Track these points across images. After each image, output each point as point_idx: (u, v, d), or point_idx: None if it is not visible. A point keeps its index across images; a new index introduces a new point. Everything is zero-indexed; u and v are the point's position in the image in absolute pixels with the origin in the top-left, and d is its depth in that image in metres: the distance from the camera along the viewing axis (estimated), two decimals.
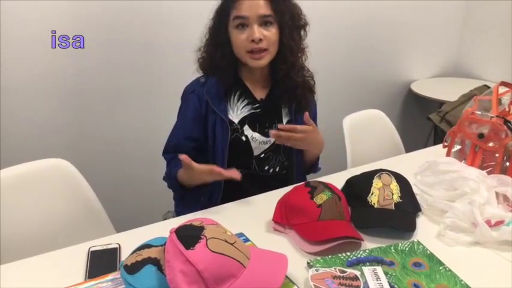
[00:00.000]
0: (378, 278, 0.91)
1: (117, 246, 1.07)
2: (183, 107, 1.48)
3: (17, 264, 1.03)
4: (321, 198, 1.13)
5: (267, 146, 1.46)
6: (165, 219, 1.55)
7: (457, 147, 1.52)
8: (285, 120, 1.48)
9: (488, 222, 1.09)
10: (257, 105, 1.45)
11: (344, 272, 0.90)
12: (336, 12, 2.69)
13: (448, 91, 2.92)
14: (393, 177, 1.25)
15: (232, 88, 1.45)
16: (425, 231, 1.15)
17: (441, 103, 2.86)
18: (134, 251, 0.90)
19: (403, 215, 1.16)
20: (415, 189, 1.29)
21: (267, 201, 1.25)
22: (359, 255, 1.01)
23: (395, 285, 0.92)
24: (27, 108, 2.04)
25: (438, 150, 1.64)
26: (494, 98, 1.49)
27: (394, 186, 1.22)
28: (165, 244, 0.84)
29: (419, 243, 1.08)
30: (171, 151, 1.47)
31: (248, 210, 1.29)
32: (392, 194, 1.19)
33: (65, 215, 1.34)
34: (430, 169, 1.37)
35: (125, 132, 2.29)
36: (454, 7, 3.16)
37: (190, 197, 1.41)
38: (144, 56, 2.22)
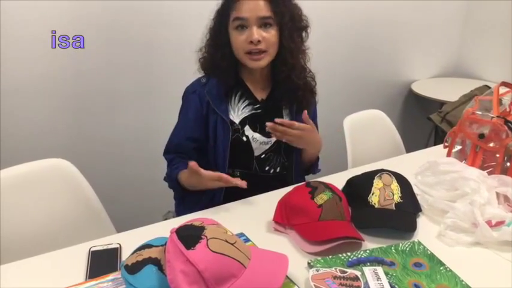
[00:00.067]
0: (378, 278, 0.91)
1: (117, 246, 1.07)
2: (184, 107, 1.48)
3: (18, 264, 1.03)
4: (322, 198, 1.13)
5: (267, 147, 1.46)
6: (165, 219, 1.55)
7: (458, 147, 1.52)
8: None
9: (488, 222, 1.09)
10: (258, 105, 1.46)
11: (345, 272, 0.90)
12: (336, 12, 2.69)
13: (448, 91, 2.91)
14: (394, 177, 1.25)
15: (233, 89, 1.45)
16: (426, 232, 1.15)
17: (442, 103, 2.86)
18: (135, 251, 0.90)
19: (404, 215, 1.16)
20: (415, 190, 1.29)
21: (268, 202, 1.25)
22: (359, 256, 1.01)
23: (396, 286, 0.92)
24: (27, 109, 2.04)
25: (439, 150, 1.64)
26: (495, 98, 1.48)
27: (395, 186, 1.22)
28: (165, 244, 0.84)
29: (419, 243, 1.08)
30: (172, 151, 1.47)
31: (249, 211, 1.29)
32: (393, 194, 1.19)
33: (66, 215, 1.34)
34: (430, 169, 1.37)
35: (125, 132, 2.29)
36: (455, 7, 3.16)
37: (191, 197, 1.41)
38: (144, 56, 2.22)
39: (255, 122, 1.44)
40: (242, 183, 1.24)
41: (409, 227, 1.13)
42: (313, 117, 1.57)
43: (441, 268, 0.99)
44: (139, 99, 2.28)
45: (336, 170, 1.54)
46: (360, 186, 1.26)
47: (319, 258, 1.01)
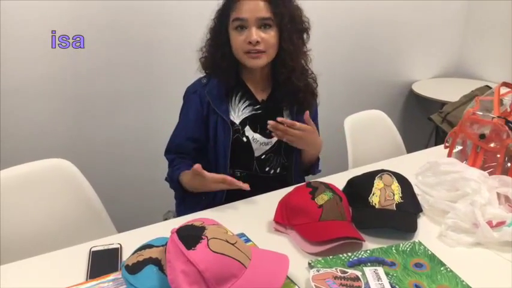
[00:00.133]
0: (379, 279, 0.91)
1: (118, 246, 1.07)
2: (185, 107, 1.48)
3: (18, 264, 1.03)
4: (322, 198, 1.13)
5: (268, 147, 1.46)
6: (165, 219, 1.55)
7: (459, 147, 1.52)
8: None
9: (489, 223, 1.09)
10: (258, 106, 1.46)
11: (345, 272, 0.90)
12: (336, 12, 2.69)
13: (449, 92, 2.91)
14: (394, 177, 1.25)
15: (234, 89, 1.45)
16: (427, 232, 1.15)
17: (442, 104, 2.86)
18: (135, 251, 0.90)
19: (404, 216, 1.16)
20: (416, 190, 1.29)
21: (268, 202, 1.25)
22: (360, 256, 1.01)
23: (397, 286, 0.92)
24: (27, 109, 2.05)
25: (439, 150, 1.64)
26: (496, 98, 1.48)
27: (396, 186, 1.22)
28: (166, 244, 0.84)
29: (420, 243, 1.08)
30: (172, 152, 1.47)
31: (249, 211, 1.29)
32: (394, 195, 1.19)
33: (66, 215, 1.34)
34: (431, 170, 1.37)
35: (125, 132, 2.29)
36: (456, 7, 3.16)
37: (191, 197, 1.41)
38: (144, 56, 2.22)
39: (256, 122, 1.44)
40: (245, 186, 1.25)
41: (410, 228, 1.13)
42: (314, 117, 1.56)
43: (442, 268, 0.99)
44: (139, 99, 2.28)
45: (336, 170, 1.54)
46: (360, 186, 1.25)
47: (319, 258, 1.00)
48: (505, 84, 1.55)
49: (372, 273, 0.93)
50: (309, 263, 0.99)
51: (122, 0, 2.06)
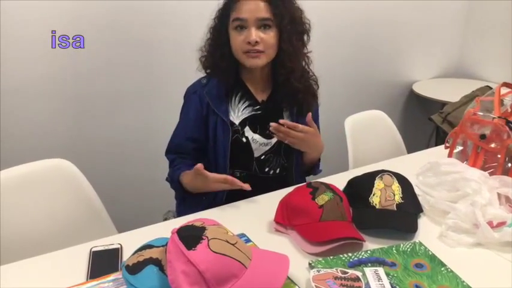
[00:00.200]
0: (379, 279, 0.91)
1: (118, 246, 1.07)
2: (185, 107, 1.48)
3: (19, 265, 1.03)
4: (323, 199, 1.13)
5: (267, 148, 1.46)
6: (165, 219, 1.55)
7: (459, 148, 1.52)
8: None
9: (490, 223, 1.09)
10: (258, 107, 1.45)
11: (346, 272, 0.90)
12: (336, 13, 2.69)
13: (450, 92, 2.91)
14: (395, 178, 1.25)
15: (234, 89, 1.45)
16: (427, 232, 1.15)
17: (443, 104, 2.86)
18: (136, 252, 0.90)
19: (405, 216, 1.16)
20: (416, 190, 1.29)
21: (269, 202, 1.25)
22: (361, 256, 1.01)
23: (397, 286, 0.92)
24: (27, 109, 2.04)
25: (440, 151, 1.64)
26: (496, 98, 1.48)
27: (396, 187, 1.22)
28: (166, 244, 0.84)
29: (421, 244, 1.08)
30: (173, 151, 1.47)
31: (250, 211, 1.28)
32: (394, 195, 1.19)
33: (67, 215, 1.33)
34: (431, 170, 1.37)
35: (125, 132, 2.29)
36: (456, 7, 3.16)
37: (192, 198, 1.41)
38: (144, 56, 2.22)
39: (255, 123, 1.44)
40: (246, 186, 1.25)
41: (410, 228, 1.13)
42: (315, 119, 1.56)
43: (442, 269, 0.99)
44: (139, 99, 2.28)
45: (337, 170, 1.54)
46: (361, 186, 1.25)
47: (320, 258, 1.00)
48: (506, 84, 1.54)
49: (373, 274, 0.92)
50: (310, 264, 0.99)
51: (122, 0, 2.06)
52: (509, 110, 1.46)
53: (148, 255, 0.86)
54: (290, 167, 1.51)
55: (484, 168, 1.38)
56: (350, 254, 1.02)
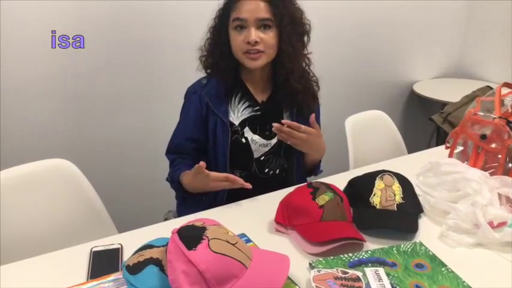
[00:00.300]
0: (380, 279, 0.91)
1: (119, 246, 1.07)
2: (185, 107, 1.48)
3: (19, 265, 1.03)
4: (323, 199, 1.12)
5: (267, 149, 1.45)
6: (165, 219, 1.55)
7: (460, 148, 1.52)
8: None
9: (490, 223, 1.09)
10: (257, 107, 1.45)
11: (346, 273, 0.90)
12: (336, 13, 2.69)
13: (450, 92, 2.91)
14: (395, 178, 1.25)
15: (234, 90, 1.45)
16: (428, 233, 1.15)
17: (443, 104, 2.86)
18: (136, 252, 0.90)
19: (405, 216, 1.16)
20: (417, 190, 1.29)
21: (269, 202, 1.25)
22: (361, 256, 1.01)
23: (398, 287, 0.92)
24: (27, 109, 2.04)
25: (440, 151, 1.63)
26: (497, 99, 1.48)
27: (396, 187, 1.22)
28: (167, 244, 0.84)
29: (421, 244, 1.08)
30: (173, 152, 1.48)
31: (250, 211, 1.28)
32: (395, 195, 1.19)
33: (67, 215, 1.33)
34: (432, 170, 1.37)
35: (125, 132, 2.29)
36: (456, 7, 3.16)
37: (192, 198, 1.41)
38: (144, 56, 2.22)
39: (255, 124, 1.44)
40: (248, 185, 1.26)
41: (411, 228, 1.13)
42: (317, 117, 1.56)
43: (443, 269, 0.99)
44: (139, 99, 2.28)
45: (337, 170, 1.54)
46: (361, 187, 1.25)
47: (320, 259, 1.00)
48: (506, 84, 1.54)
49: (373, 274, 0.92)
50: (310, 264, 0.99)
51: (122, 0, 2.06)
52: (510, 110, 1.45)
53: (149, 255, 0.86)
54: (290, 167, 1.51)
55: (484, 169, 1.38)
56: (350, 254, 1.02)
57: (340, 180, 1.32)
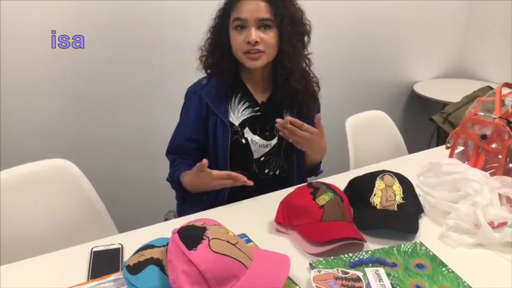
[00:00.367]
0: (380, 280, 0.91)
1: (119, 246, 1.07)
2: (185, 107, 1.48)
3: (19, 265, 1.03)
4: (324, 199, 1.12)
5: (267, 150, 1.45)
6: (166, 219, 1.55)
7: (460, 148, 1.51)
8: None
9: (491, 223, 1.09)
10: (258, 108, 1.45)
11: (346, 273, 0.90)
12: (336, 13, 2.69)
13: (451, 92, 2.91)
14: (396, 178, 1.25)
15: (234, 90, 1.45)
16: (428, 233, 1.15)
17: (444, 104, 2.86)
18: (136, 252, 0.90)
19: (406, 216, 1.16)
20: (417, 191, 1.29)
21: (270, 202, 1.25)
22: (361, 257, 1.01)
23: (398, 287, 0.92)
24: (27, 109, 2.04)
25: (441, 151, 1.63)
26: (498, 99, 1.48)
27: (397, 187, 1.22)
28: (167, 245, 0.84)
29: (421, 244, 1.08)
30: (173, 152, 1.47)
31: (250, 211, 1.28)
32: (395, 195, 1.19)
33: (67, 215, 1.33)
34: (432, 170, 1.37)
35: (125, 132, 2.29)
36: (457, 7, 3.16)
37: (192, 198, 1.41)
38: (144, 56, 2.22)
39: (255, 124, 1.44)
40: (250, 182, 1.27)
41: (411, 228, 1.13)
42: None
43: (443, 269, 0.99)
44: (139, 99, 2.28)
45: (337, 170, 1.54)
46: (361, 187, 1.25)
47: (321, 259, 1.00)
48: (507, 84, 1.54)
49: (373, 274, 0.92)
50: (310, 264, 0.99)
51: (122, 0, 2.06)
52: (510, 111, 1.45)
53: (149, 255, 0.86)
54: (290, 168, 1.51)
55: (485, 169, 1.38)
56: (351, 254, 1.01)
57: (340, 180, 1.32)
